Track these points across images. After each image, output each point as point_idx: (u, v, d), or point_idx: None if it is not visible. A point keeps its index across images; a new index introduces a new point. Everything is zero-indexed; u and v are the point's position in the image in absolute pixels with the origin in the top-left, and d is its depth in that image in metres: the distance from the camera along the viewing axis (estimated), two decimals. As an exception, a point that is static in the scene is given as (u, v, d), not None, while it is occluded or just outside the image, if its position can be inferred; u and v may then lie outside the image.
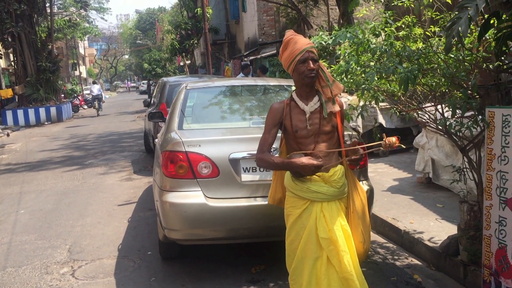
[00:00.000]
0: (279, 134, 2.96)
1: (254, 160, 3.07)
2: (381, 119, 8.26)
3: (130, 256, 4.70)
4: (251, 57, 18.66)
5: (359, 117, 4.09)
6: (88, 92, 36.31)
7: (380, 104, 4.11)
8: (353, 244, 2.77)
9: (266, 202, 3.34)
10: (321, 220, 2.72)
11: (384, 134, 2.87)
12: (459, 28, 2.64)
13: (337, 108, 2.85)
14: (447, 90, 3.73)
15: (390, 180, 6.58)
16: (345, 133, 3.43)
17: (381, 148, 2.75)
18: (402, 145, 2.81)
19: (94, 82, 31.03)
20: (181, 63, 38.77)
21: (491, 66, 3.38)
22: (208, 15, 22.46)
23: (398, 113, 4.27)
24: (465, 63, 3.45)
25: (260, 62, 17.09)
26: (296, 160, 2.70)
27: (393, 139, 2.71)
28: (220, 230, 3.75)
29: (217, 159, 3.73)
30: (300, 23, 14.98)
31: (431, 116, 3.87)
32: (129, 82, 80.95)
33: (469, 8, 2.66)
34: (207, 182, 3.73)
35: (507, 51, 3.33)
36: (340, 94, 2.97)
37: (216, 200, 3.72)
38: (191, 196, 3.71)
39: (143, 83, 55.44)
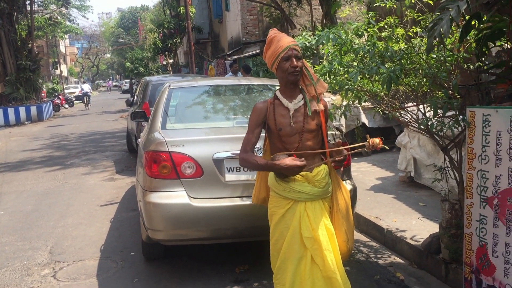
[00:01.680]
0: (262, 134, 2.95)
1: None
2: (364, 119, 8.33)
3: (113, 257, 4.65)
4: (235, 57, 18.64)
5: (342, 116, 4.12)
6: (68, 91, 40.85)
7: (363, 103, 4.14)
8: (336, 243, 2.78)
9: (250, 202, 3.33)
10: (304, 219, 2.73)
11: (367, 135, 2.88)
12: (441, 29, 2.68)
13: (321, 107, 2.87)
14: (428, 90, 3.77)
15: (373, 179, 6.63)
16: (329, 132, 3.44)
17: (365, 149, 2.77)
18: (386, 146, 2.83)
19: (84, 82, 41.29)
20: (164, 62, 38.49)
21: (471, 66, 3.43)
22: (191, 14, 22.37)
23: (381, 113, 4.30)
24: (447, 64, 3.49)
25: (243, 61, 17.08)
26: (280, 162, 2.69)
27: (377, 140, 2.73)
28: (204, 230, 3.74)
29: (200, 159, 3.72)
30: (284, 23, 15.01)
31: (413, 115, 3.91)
32: (110, 81, 79.47)
33: (450, 10, 2.69)
34: (190, 182, 3.72)
35: (487, 52, 3.38)
36: (324, 94, 2.98)
37: (200, 200, 3.70)
38: (175, 196, 3.69)
39: (125, 82, 55.04)
